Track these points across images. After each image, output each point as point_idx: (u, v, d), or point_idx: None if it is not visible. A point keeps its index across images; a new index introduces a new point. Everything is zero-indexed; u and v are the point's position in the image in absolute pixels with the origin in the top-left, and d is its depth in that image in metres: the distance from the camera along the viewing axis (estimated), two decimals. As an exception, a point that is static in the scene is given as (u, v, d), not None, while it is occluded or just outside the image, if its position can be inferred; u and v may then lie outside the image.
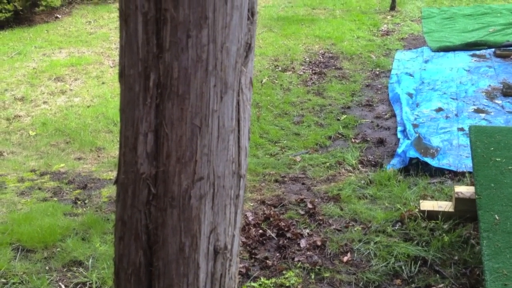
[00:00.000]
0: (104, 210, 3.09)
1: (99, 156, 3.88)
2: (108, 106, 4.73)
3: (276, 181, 3.34)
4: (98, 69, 5.73)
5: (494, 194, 2.40)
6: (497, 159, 2.62)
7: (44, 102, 4.97)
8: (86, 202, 3.22)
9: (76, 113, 4.68)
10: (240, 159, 1.29)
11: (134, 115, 1.26)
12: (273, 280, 2.36)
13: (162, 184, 1.17)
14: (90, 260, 2.56)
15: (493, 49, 5.46)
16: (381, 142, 3.81)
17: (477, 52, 5.49)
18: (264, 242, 2.69)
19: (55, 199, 3.28)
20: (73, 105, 4.87)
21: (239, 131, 1.29)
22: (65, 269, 2.53)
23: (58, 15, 7.95)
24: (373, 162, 3.53)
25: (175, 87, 1.21)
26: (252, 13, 1.30)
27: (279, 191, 3.21)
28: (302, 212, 2.96)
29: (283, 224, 2.79)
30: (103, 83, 5.35)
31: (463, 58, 5.35)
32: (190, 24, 1.19)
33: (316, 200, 3.09)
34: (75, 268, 2.53)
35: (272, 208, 3.00)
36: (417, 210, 2.81)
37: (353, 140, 3.86)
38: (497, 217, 2.25)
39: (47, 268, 2.54)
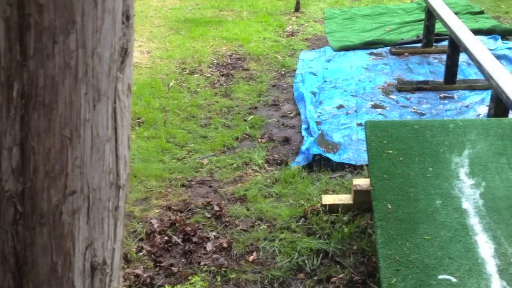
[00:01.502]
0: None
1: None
2: None
3: (183, 185, 3.30)
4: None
5: (387, 185, 2.53)
6: (389, 151, 2.78)
7: None
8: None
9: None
10: (119, 169, 1.25)
11: (-3, 129, 1.17)
12: (179, 286, 2.33)
13: (30, 201, 1.10)
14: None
15: (389, 47, 5.80)
16: (286, 140, 3.90)
17: (375, 51, 5.80)
18: (170, 248, 2.64)
19: None
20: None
21: (116, 140, 1.24)
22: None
23: None
24: (278, 161, 3.61)
25: (41, 96, 1.14)
26: (127, 16, 1.26)
27: (185, 196, 3.17)
28: (209, 215, 2.95)
29: (189, 229, 2.76)
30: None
31: (362, 57, 5.63)
32: (56, 29, 1.13)
33: (223, 202, 3.09)
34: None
35: (178, 213, 2.96)
36: (319, 204, 2.91)
37: (259, 140, 3.92)
38: (389, 206, 2.38)
39: None
